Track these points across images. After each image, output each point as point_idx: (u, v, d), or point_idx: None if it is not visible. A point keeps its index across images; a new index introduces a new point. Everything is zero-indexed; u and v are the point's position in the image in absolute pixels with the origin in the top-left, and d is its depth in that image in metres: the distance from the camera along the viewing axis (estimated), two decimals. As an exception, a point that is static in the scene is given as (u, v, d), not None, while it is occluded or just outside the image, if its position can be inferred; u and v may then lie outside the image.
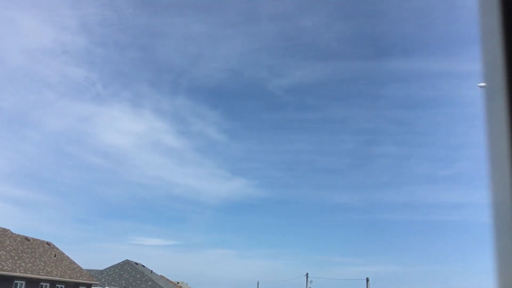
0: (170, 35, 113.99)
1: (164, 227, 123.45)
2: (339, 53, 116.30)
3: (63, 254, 44.10)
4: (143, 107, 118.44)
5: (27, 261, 35.29)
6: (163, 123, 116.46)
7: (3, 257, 32.37)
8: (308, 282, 65.78)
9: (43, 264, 37.19)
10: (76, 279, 39.96)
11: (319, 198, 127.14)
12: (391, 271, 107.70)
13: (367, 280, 53.85)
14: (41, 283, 34.95)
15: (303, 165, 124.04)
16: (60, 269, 39.27)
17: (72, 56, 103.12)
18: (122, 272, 59.67)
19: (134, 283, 57.06)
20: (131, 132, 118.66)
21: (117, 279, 58.00)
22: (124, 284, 56.75)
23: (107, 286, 55.75)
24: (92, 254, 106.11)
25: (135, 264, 63.53)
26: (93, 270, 58.49)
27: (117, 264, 61.64)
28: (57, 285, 37.09)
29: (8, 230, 38.34)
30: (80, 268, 44.17)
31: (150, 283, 57.33)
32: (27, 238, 40.05)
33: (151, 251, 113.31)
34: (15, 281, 31.68)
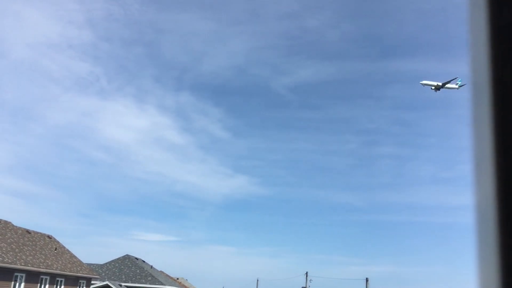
0: (175, 31, 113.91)
1: (165, 223, 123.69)
2: (344, 53, 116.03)
3: (64, 247, 44.26)
4: (147, 102, 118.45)
5: (27, 254, 35.43)
6: (166, 119, 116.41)
7: (4, 249, 32.51)
8: (308, 281, 65.85)
9: (43, 257, 37.34)
10: (76, 273, 40.11)
11: (320, 197, 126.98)
12: (391, 271, 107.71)
13: (367, 280, 53.84)
14: (41, 276, 35.10)
15: (305, 164, 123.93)
16: (60, 262, 39.42)
17: (77, 51, 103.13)
18: (122, 267, 59.85)
19: (134, 278, 57.22)
20: (134, 127, 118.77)
21: (117, 273, 58.18)
22: (124, 279, 56.92)
23: (107, 280, 55.92)
24: (92, 248, 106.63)
25: (135, 259, 63.70)
26: (93, 264, 58.68)
27: (117, 258, 61.82)
28: (57, 279, 37.24)
29: (10, 222, 38.50)
30: (81, 262, 44.32)
31: (150, 278, 57.48)
32: (28, 231, 40.20)
33: (151, 246, 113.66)
34: (15, 274, 31.82)
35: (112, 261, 61.24)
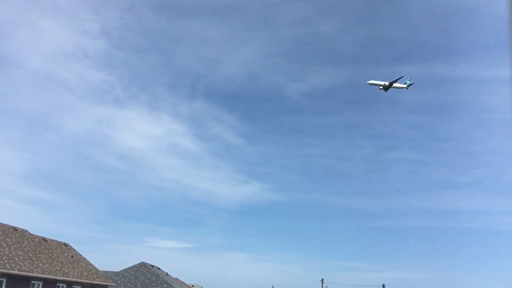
0: (188, 39, 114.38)
1: (180, 229, 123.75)
2: (357, 58, 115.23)
3: (80, 255, 44.54)
4: (161, 110, 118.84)
5: (44, 261, 35.72)
6: (180, 126, 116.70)
7: (21, 257, 32.83)
8: (323, 287, 65.21)
9: (60, 265, 37.61)
10: (92, 280, 40.29)
11: (334, 203, 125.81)
12: (407, 277, 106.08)
13: (383, 286, 53.16)
14: (58, 284, 35.31)
15: (319, 169, 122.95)
16: (76, 270, 39.67)
17: (92, 60, 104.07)
18: (138, 274, 60.01)
19: (149, 285, 57.30)
20: (149, 135, 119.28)
21: (133, 281, 58.34)
22: (140, 286, 57.04)
23: (123, 287, 56.10)
24: (108, 256, 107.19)
25: (151, 266, 63.84)
26: (109, 272, 58.94)
27: (132, 266, 62.03)
28: (73, 286, 37.44)
29: (27, 231, 38.89)
30: (97, 269, 44.54)
31: (165, 285, 57.50)
32: (44, 239, 40.56)
33: (166, 253, 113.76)
34: (33, 282, 32.06)
35: (128, 268, 61.45)
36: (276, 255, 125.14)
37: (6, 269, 29.09)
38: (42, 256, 36.56)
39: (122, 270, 60.98)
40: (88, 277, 40.34)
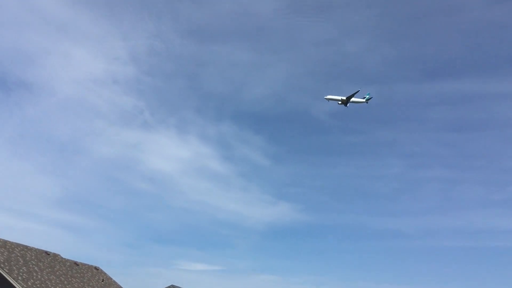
0: (215, 62, 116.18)
1: (209, 252, 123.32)
2: (384, 76, 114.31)
3: (111, 278, 44.63)
4: (189, 133, 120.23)
5: (75, 286, 35.88)
6: (208, 148, 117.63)
7: (53, 281, 33.08)
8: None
9: (91, 289, 37.70)
10: (123, 305, 40.20)
11: (366, 223, 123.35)
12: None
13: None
14: (89, 308, 35.36)
15: (349, 189, 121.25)
16: (107, 294, 39.67)
17: (121, 85, 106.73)
18: (168, 297, 59.69)
19: (179, 309, 56.85)
20: (177, 158, 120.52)
21: (163, 304, 58.03)
22: (170, 310, 56.62)
23: (153, 311, 55.84)
24: (138, 278, 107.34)
25: (181, 290, 63.47)
26: (139, 295, 58.87)
27: (162, 289, 61.80)
28: (104, 310, 37.40)
29: (58, 255, 39.30)
30: (127, 293, 44.47)
31: (195, 309, 56.98)
32: (76, 263, 40.87)
33: (196, 276, 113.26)
34: (64, 306, 32.18)
35: (158, 291, 61.23)
36: (307, 277, 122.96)
37: (39, 294, 29.29)
38: (74, 280, 36.77)
39: (152, 294, 60.80)
40: (119, 301, 40.29)
